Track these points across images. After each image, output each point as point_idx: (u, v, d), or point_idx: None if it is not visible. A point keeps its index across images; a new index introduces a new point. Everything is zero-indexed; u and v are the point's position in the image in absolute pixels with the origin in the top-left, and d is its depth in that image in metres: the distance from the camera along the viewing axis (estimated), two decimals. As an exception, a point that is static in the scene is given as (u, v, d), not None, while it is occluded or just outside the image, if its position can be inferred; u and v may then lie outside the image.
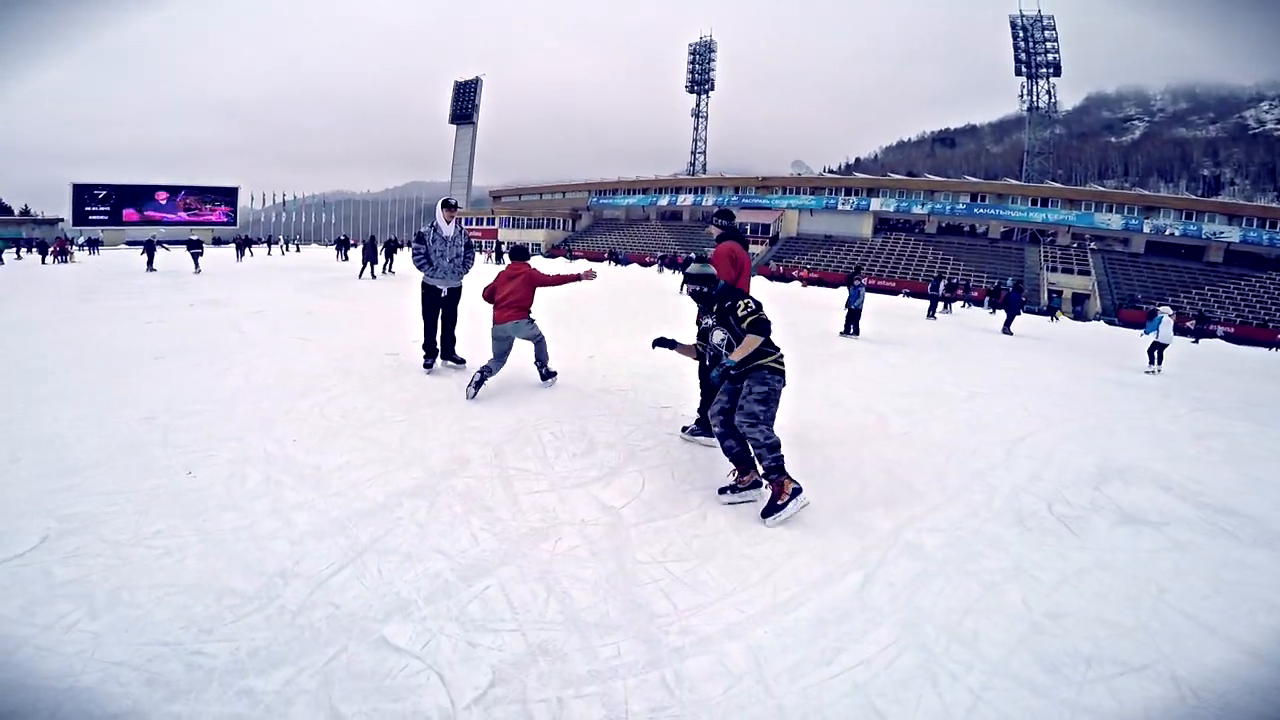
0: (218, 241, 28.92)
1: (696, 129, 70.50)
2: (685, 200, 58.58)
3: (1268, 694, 2.21)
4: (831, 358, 8.80)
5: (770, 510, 3.25)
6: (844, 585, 2.73)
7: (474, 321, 6.77)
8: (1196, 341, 24.59)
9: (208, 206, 56.80)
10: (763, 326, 3.32)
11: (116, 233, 49.61)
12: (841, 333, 11.99)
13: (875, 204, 48.91)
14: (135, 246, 29.99)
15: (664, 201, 59.92)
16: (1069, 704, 2.09)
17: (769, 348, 3.43)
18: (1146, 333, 12.03)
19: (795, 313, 15.99)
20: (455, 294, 5.94)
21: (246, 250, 28.97)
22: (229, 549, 2.63)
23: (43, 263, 25.23)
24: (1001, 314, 20.33)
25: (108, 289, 13.75)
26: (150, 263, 20.50)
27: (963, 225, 48.06)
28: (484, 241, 50.71)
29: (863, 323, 12.49)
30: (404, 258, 23.11)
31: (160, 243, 21.81)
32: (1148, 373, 11.18)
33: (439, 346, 5.99)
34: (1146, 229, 41.42)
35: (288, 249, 42.71)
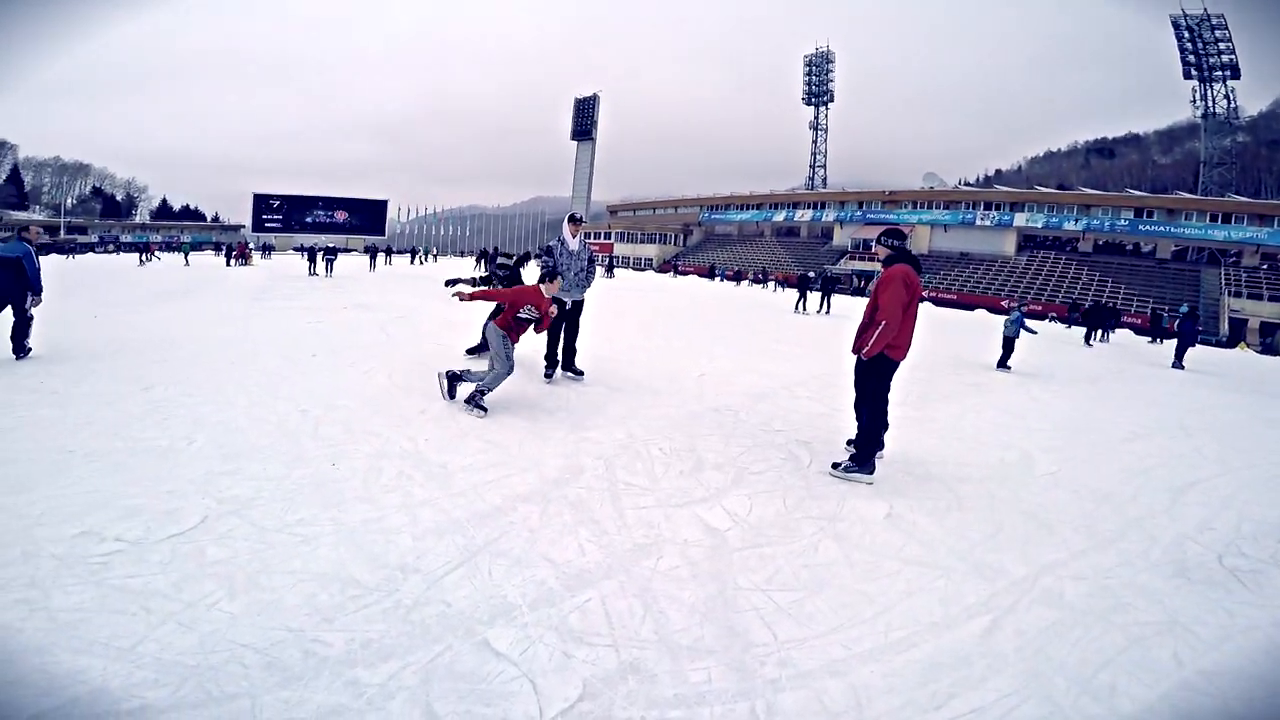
0: (369, 250, 31.77)
1: (815, 142, 68.95)
2: (803, 215, 57.24)
3: None
4: (967, 388, 8.14)
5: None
6: (966, 630, 2.52)
7: (589, 334, 6.97)
8: None
9: (358, 217, 62.86)
10: None
11: (286, 239, 56.37)
12: (998, 366, 10.46)
13: (1020, 219, 45.13)
14: (300, 253, 33.97)
15: (780, 217, 58.94)
16: None
17: None
18: None
19: (929, 337, 15.04)
20: (578, 307, 6.15)
21: (380, 258, 30.90)
22: (359, 540, 2.83)
23: (227, 265, 29.19)
24: (1170, 343, 17.92)
25: (277, 290, 15.70)
26: (312, 267, 23.20)
27: (1124, 243, 43.18)
28: (601, 256, 52.27)
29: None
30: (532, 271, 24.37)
31: (320, 250, 24.58)
32: None
33: (560, 358, 6.21)
34: (1362, 248, 35.02)
35: (427, 259, 46.50)
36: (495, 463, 3.87)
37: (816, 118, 68.73)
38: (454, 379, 5.15)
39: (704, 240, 64.74)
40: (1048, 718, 2.03)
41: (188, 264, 29.21)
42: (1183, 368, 14.11)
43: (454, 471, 3.68)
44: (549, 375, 6.16)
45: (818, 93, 68.06)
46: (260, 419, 4.42)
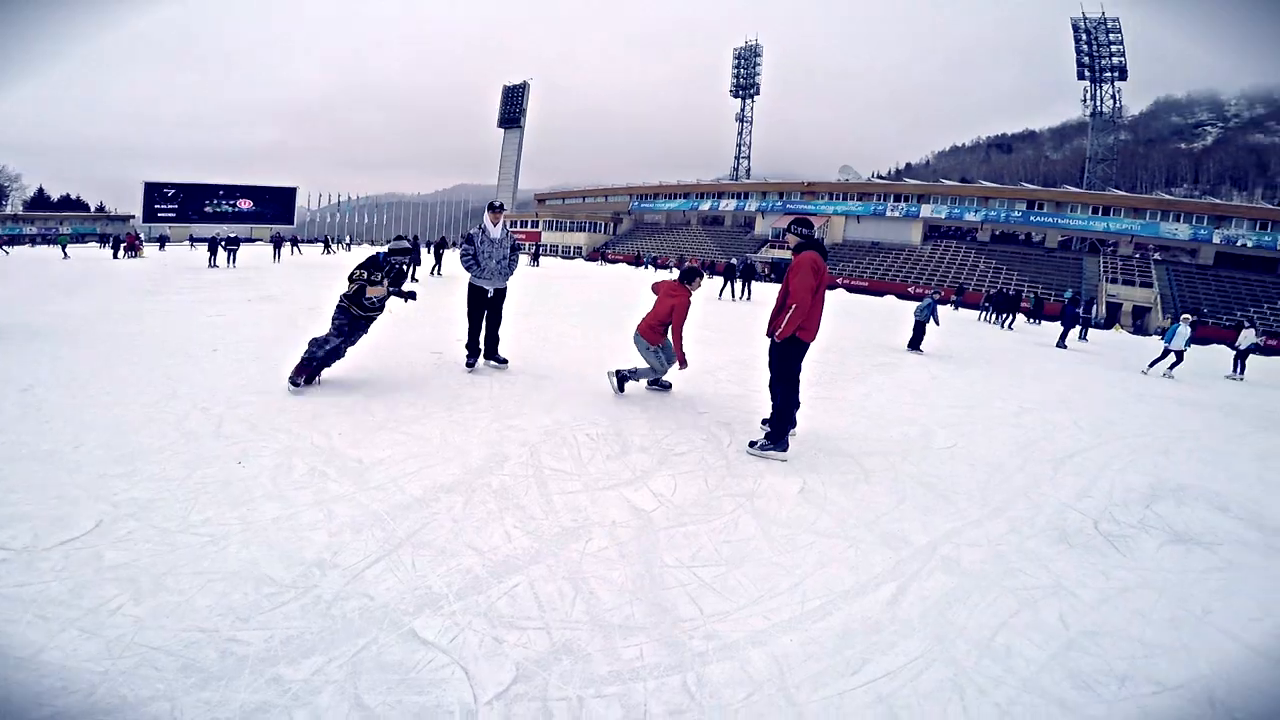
0: (274, 240, 29.82)
1: (741, 134, 70.26)
2: (727, 205, 58.40)
3: None
4: (874, 368, 8.62)
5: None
6: (875, 597, 2.70)
7: (513, 323, 6.90)
8: (1239, 363, 23.29)
9: (263, 205, 59.06)
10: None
11: (182, 229, 52.23)
12: (909, 348, 11.10)
13: (925, 210, 47.78)
14: (199, 244, 31.53)
15: (705, 206, 59.91)
16: None
17: None
18: (1166, 341, 12.44)
19: (840, 322, 15.73)
20: (501, 295, 6.07)
21: (289, 248, 29.02)
22: (270, 538, 2.73)
23: (114, 257, 26.77)
24: (1051, 324, 19.57)
25: (174, 283, 14.52)
26: (212, 259, 21.65)
27: (1018, 233, 46.50)
28: (527, 244, 51.54)
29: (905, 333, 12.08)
30: (451, 258, 23.67)
31: (220, 240, 23.01)
32: (1150, 373, 11.97)
33: (482, 346, 6.12)
34: (1216, 239, 39.29)
35: (339, 248, 44.14)
36: (415, 454, 3.79)
37: (743, 110, 70.00)
38: (623, 378, 5.58)
39: (633, 229, 64.93)
40: (953, 679, 2.19)
41: (66, 256, 26.58)
42: (1065, 348, 15.46)
43: (370, 465, 3.58)
44: (471, 364, 6.06)
45: (745, 85, 69.22)
46: (157, 419, 4.13)
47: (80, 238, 46.18)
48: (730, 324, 12.84)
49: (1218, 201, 48.27)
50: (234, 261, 22.30)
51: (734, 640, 2.31)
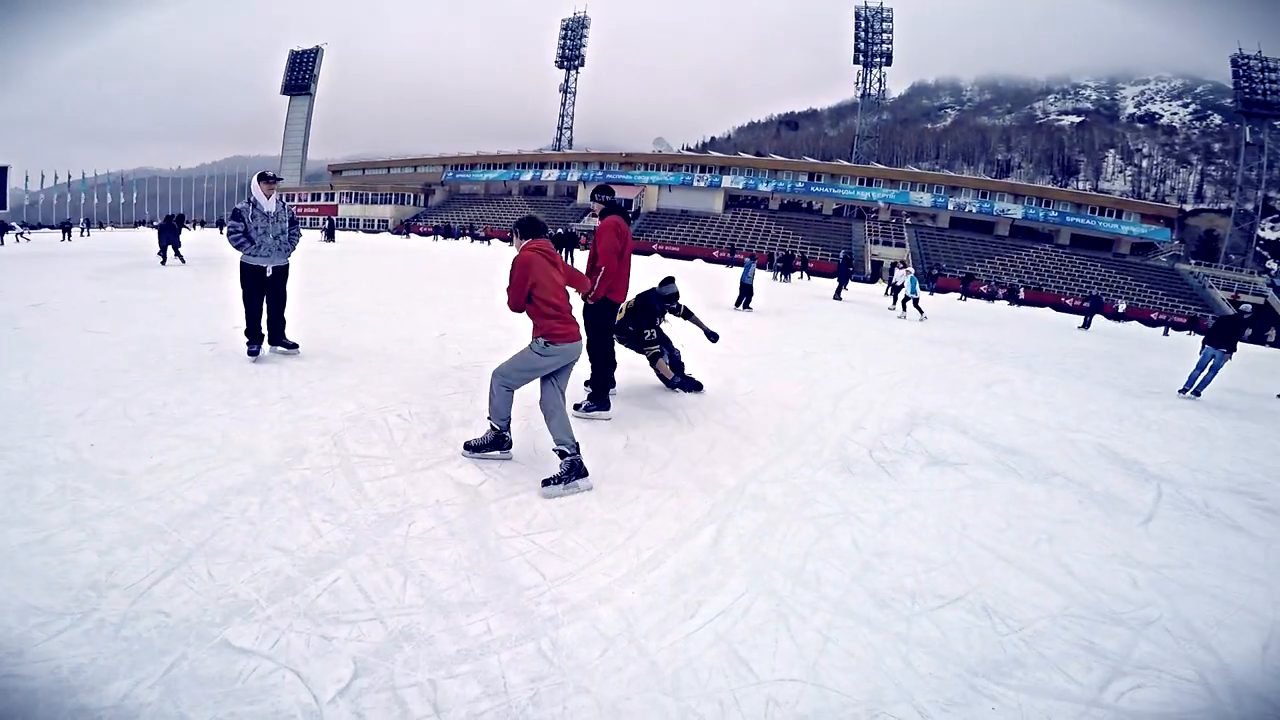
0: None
1: (564, 104, 69.21)
2: (550, 175, 57.77)
3: (1064, 621, 2.57)
4: (685, 325, 9.17)
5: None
6: (699, 540, 2.91)
7: (304, 303, 6.24)
8: (963, 299, 29.07)
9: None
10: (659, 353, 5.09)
11: None
12: (735, 306, 12.64)
13: (726, 181, 51.32)
14: None
15: (527, 176, 58.76)
16: (902, 638, 2.35)
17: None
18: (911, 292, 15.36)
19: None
20: (282, 273, 5.41)
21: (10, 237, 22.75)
22: (22, 565, 2.28)
23: None
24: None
25: None
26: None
27: (801, 202, 51.82)
28: (322, 218, 46.53)
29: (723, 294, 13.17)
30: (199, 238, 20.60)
31: None
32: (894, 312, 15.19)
33: (265, 331, 5.44)
34: (951, 206, 47.28)
35: (77, 233, 36.02)
36: (192, 458, 3.29)
37: (567, 81, 68.70)
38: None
39: (448, 200, 61.52)
40: (776, 610, 2.43)
41: None
42: (841, 299, 17.78)
43: (137, 475, 3.05)
44: (254, 352, 5.31)
45: (570, 57, 67.87)
46: None
47: None
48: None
49: (951, 174, 57.85)
50: None
51: (580, 600, 2.38)
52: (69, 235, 31.69)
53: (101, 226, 46.03)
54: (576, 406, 4.41)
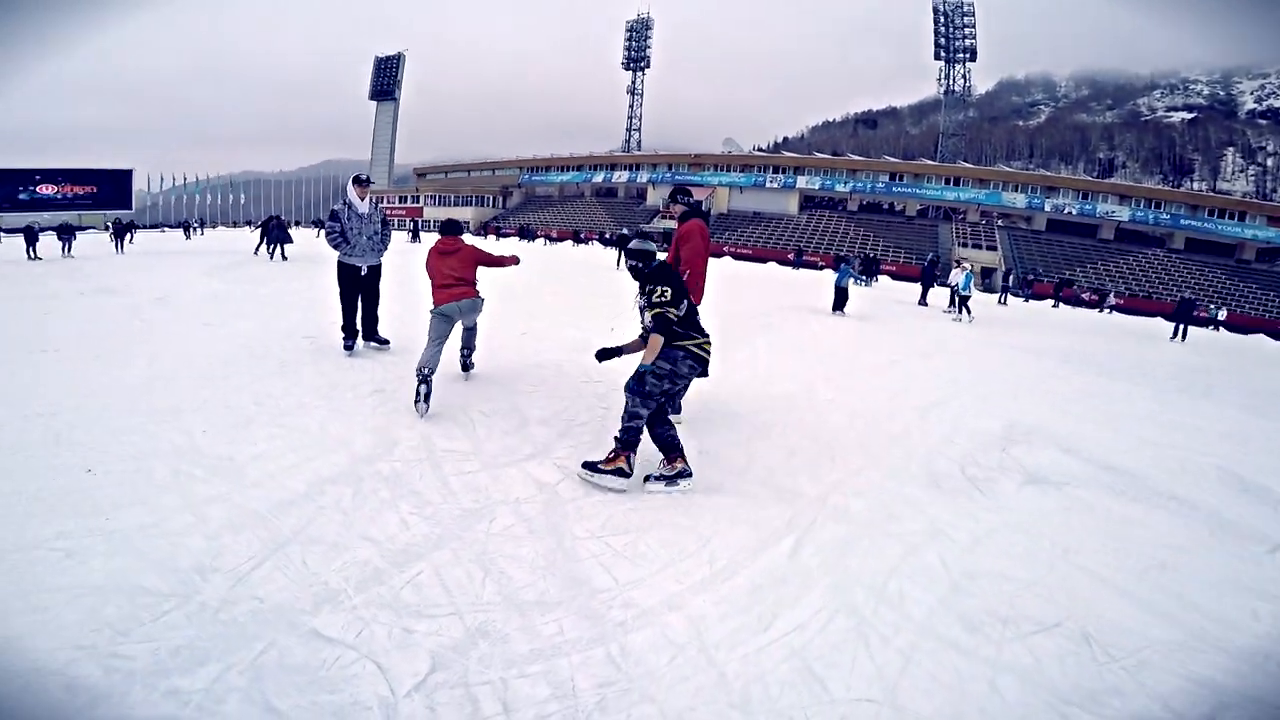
0: (115, 227, 25.80)
1: (632, 106, 70.14)
2: (620, 177, 58.27)
3: (1174, 653, 2.33)
4: (759, 329, 9.02)
5: (592, 467, 3.28)
6: (776, 551, 2.81)
7: (396, 302, 6.53)
8: (1056, 305, 27.08)
9: (89, 189, 51.89)
10: (662, 323, 3.20)
11: (-12, 220, 44.49)
12: (833, 310, 12.40)
13: (801, 182, 50.17)
14: (13, 235, 26.91)
15: (599, 178, 59.45)
16: (991, 663, 2.19)
17: (692, 332, 3.34)
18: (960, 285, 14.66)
19: (735, 283, 16.26)
20: (375, 272, 5.70)
21: (126, 237, 24.91)
22: (138, 547, 2.45)
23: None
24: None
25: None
26: (31, 250, 18.67)
27: (882, 203, 50.00)
28: (408, 220, 48.77)
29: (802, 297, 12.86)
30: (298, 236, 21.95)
31: (39, 229, 19.88)
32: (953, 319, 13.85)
33: (359, 327, 5.74)
34: (1047, 208, 44.36)
35: (193, 232, 39.32)
36: (293, 447, 3.50)
37: (634, 82, 69.70)
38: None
39: (525, 202, 63.19)
40: (857, 628, 2.30)
41: None
42: (926, 305, 16.95)
43: (244, 463, 3.26)
44: (349, 347, 5.65)
45: (636, 58, 68.94)
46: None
47: None
48: (621, 293, 12.89)
49: (1049, 174, 54.38)
50: (69, 250, 19.42)
51: (651, 606, 2.34)
52: (189, 234, 34.59)
53: (214, 226, 49.99)
54: None
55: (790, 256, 36.43)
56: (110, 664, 1.85)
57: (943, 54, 58.15)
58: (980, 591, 2.63)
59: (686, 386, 3.48)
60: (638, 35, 68.59)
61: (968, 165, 52.33)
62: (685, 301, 3.31)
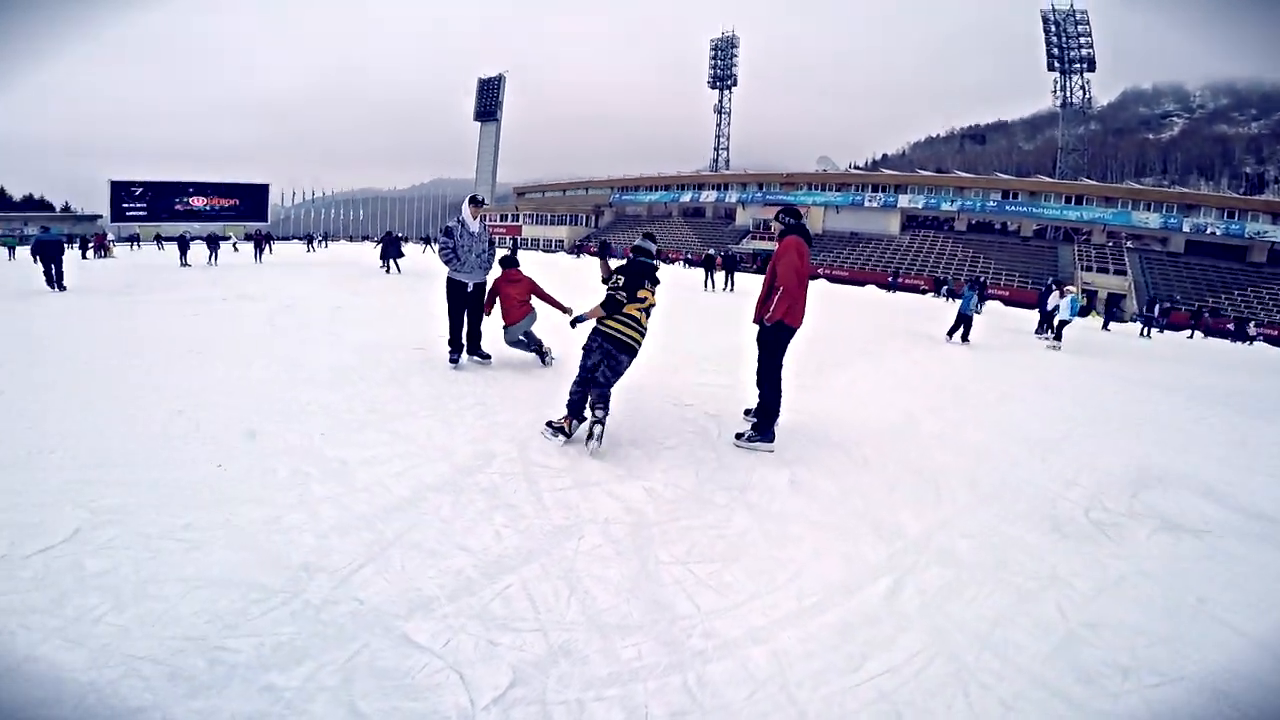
0: (249, 238, 29.04)
1: (719, 125, 70.30)
2: (708, 197, 58.43)
3: None
4: (856, 354, 8.67)
5: (549, 423, 4.15)
6: (872, 590, 2.67)
7: (495, 318, 6.78)
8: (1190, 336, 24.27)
9: (232, 202, 58.08)
10: (609, 303, 3.97)
11: (151, 228, 50.92)
12: (949, 335, 11.86)
13: (904, 201, 48.25)
14: (168, 243, 30.69)
15: (686, 198, 59.90)
16: (1103, 715, 2.02)
17: (619, 316, 4.01)
18: (1064, 312, 13.08)
19: (830, 306, 15.81)
20: (481, 289, 5.98)
21: (266, 248, 27.80)
22: (256, 542, 2.65)
23: (83, 258, 25.91)
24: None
25: (145, 283, 14.14)
26: (184, 258, 21.16)
27: (994, 223, 47.14)
28: (507, 238, 51.05)
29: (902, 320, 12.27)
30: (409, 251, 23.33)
31: (190, 239, 22.54)
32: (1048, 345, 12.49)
33: (465, 342, 6.02)
34: (1186, 228, 40.18)
35: (316, 245, 43.25)
36: (400, 454, 3.70)
37: (721, 101, 70.01)
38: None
39: (615, 221, 64.66)
40: (955, 674, 2.16)
41: (13, 258, 25.10)
42: (1046, 335, 15.67)
43: (354, 466, 3.48)
44: (454, 360, 5.95)
45: (722, 76, 69.29)
46: (133, 421, 3.99)
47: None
48: (713, 315, 12.83)
49: (1187, 191, 49.43)
50: (215, 260, 21.89)
51: (733, 638, 2.28)
52: (312, 246, 37.91)
53: (335, 240, 54.61)
54: (739, 436, 4.30)
55: (886, 278, 35.13)
56: (216, 656, 1.97)
57: (1057, 65, 54.36)
58: (1100, 642, 2.42)
59: (612, 366, 4.01)
60: (723, 53, 68.78)
61: (1091, 182, 48.41)
62: (640, 297, 4.07)
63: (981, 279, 16.98)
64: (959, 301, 12.24)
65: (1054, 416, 6.06)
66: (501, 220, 66.11)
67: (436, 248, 5.91)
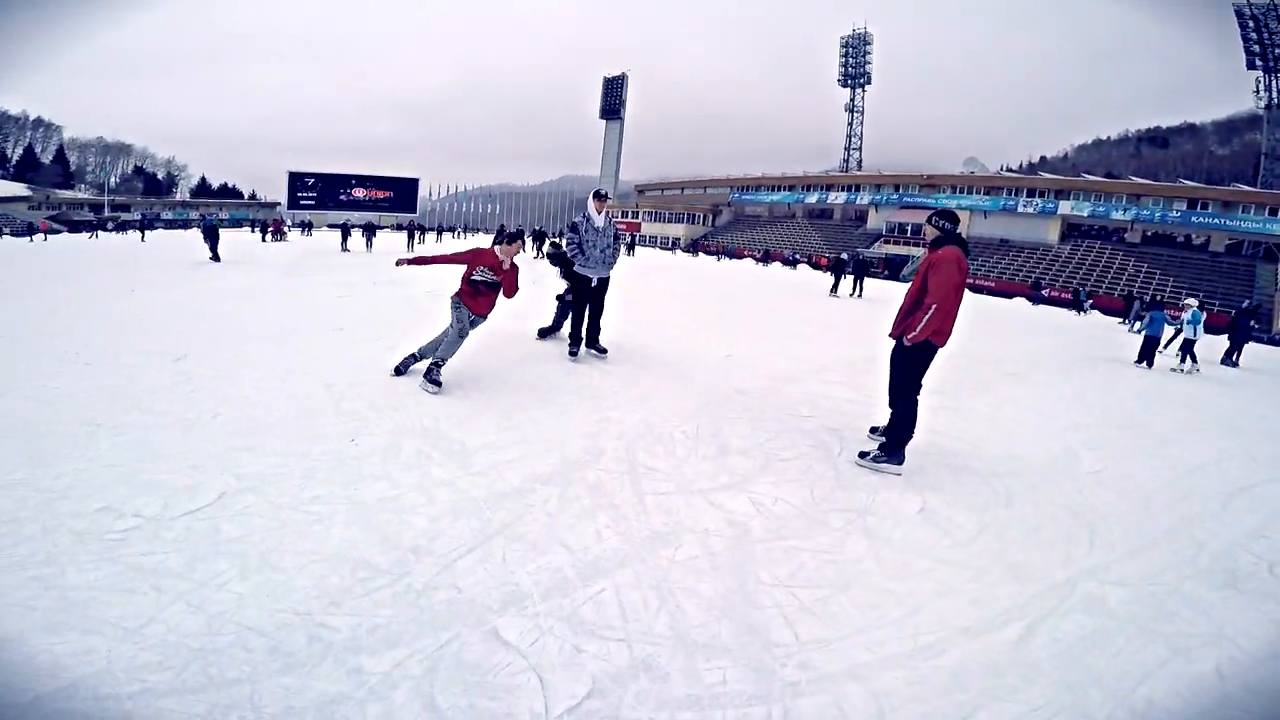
0: (399, 227, 32.29)
1: (851, 124, 67.28)
2: (837, 198, 56.04)
3: None
4: (1004, 376, 7.83)
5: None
6: (999, 635, 2.39)
7: (612, 313, 6.86)
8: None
9: (386, 194, 63.84)
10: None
11: (320, 216, 57.25)
12: (1136, 361, 10.98)
13: (1065, 207, 43.51)
14: (334, 229, 34.53)
15: (812, 199, 57.82)
16: None
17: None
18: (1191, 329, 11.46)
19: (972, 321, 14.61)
20: (604, 284, 6.04)
21: (417, 236, 31.25)
22: (373, 520, 2.77)
23: (261, 241, 29.63)
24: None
25: (308, 266, 15.87)
26: (344, 243, 23.63)
27: (1175, 235, 41.36)
28: (626, 234, 51.91)
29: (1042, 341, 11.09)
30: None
31: (351, 226, 25.23)
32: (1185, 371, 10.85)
33: (584, 335, 6.12)
34: None
35: (454, 236, 46.89)
36: (515, 441, 3.81)
37: (853, 100, 67.11)
38: (404, 364, 5.05)
39: (733, 220, 63.86)
40: None
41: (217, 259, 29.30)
42: (1236, 365, 13.47)
43: (473, 450, 3.61)
44: (574, 353, 6.07)
45: (854, 75, 66.44)
46: (284, 393, 4.41)
47: (236, 223, 52.22)
48: (841, 321, 12.25)
49: None
50: (371, 246, 24.45)
51: (830, 672, 2.10)
52: (448, 236, 41.30)
53: (474, 232, 58.60)
54: (863, 455, 3.99)
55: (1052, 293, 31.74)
56: (316, 633, 2.05)
57: (1259, 62, 46.39)
58: (1259, 708, 2.10)
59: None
60: (855, 51, 65.57)
61: (1306, 190, 41.02)
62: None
63: (1159, 298, 14.85)
64: (1141, 323, 10.88)
65: (1240, 460, 5.14)
66: (623, 217, 67.36)
67: (564, 242, 6.02)
